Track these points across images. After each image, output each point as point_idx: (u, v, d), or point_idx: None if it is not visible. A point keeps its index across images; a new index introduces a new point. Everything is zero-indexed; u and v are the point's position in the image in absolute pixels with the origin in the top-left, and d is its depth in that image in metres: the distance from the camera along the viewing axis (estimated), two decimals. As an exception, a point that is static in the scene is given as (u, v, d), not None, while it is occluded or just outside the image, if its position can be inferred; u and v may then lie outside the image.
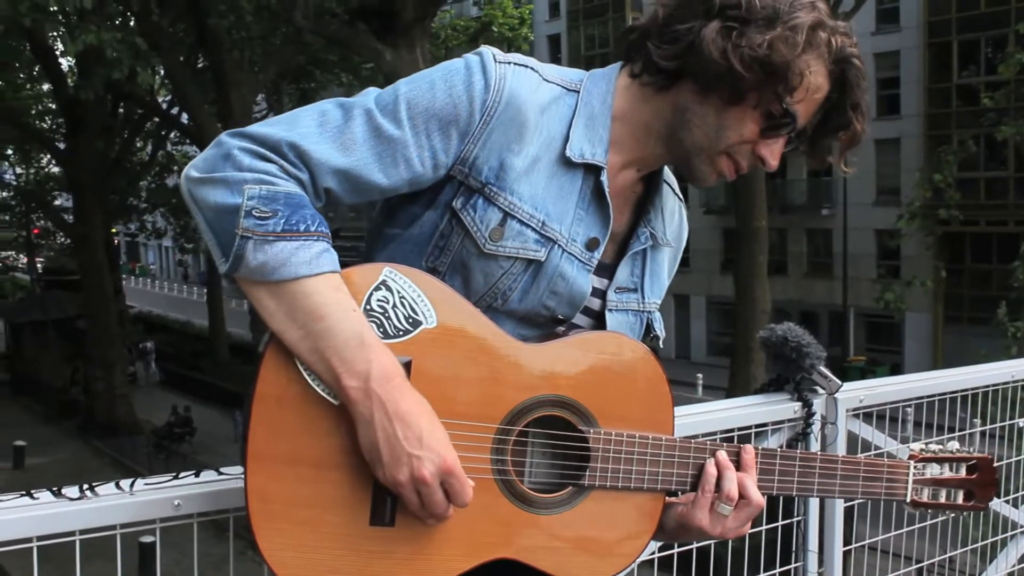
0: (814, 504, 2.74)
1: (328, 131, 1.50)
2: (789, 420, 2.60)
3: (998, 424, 3.24)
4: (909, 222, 17.63)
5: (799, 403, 2.60)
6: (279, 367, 1.46)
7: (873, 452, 2.82)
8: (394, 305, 1.49)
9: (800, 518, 2.74)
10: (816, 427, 2.62)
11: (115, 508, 1.60)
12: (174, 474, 1.69)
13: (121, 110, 29.73)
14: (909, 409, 3.03)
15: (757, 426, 2.54)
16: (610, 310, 1.71)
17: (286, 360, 1.46)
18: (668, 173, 1.81)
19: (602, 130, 1.63)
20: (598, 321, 1.71)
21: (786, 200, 35.40)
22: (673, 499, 1.72)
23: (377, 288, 1.49)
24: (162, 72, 20.97)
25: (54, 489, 1.59)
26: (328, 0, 15.71)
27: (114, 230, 39.54)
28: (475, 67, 1.57)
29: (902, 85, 33.11)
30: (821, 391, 2.64)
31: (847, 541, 2.88)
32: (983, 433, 3.33)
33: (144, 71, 15.29)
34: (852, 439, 2.75)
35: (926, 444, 1.91)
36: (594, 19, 41.87)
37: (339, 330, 1.43)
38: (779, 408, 2.58)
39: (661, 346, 1.81)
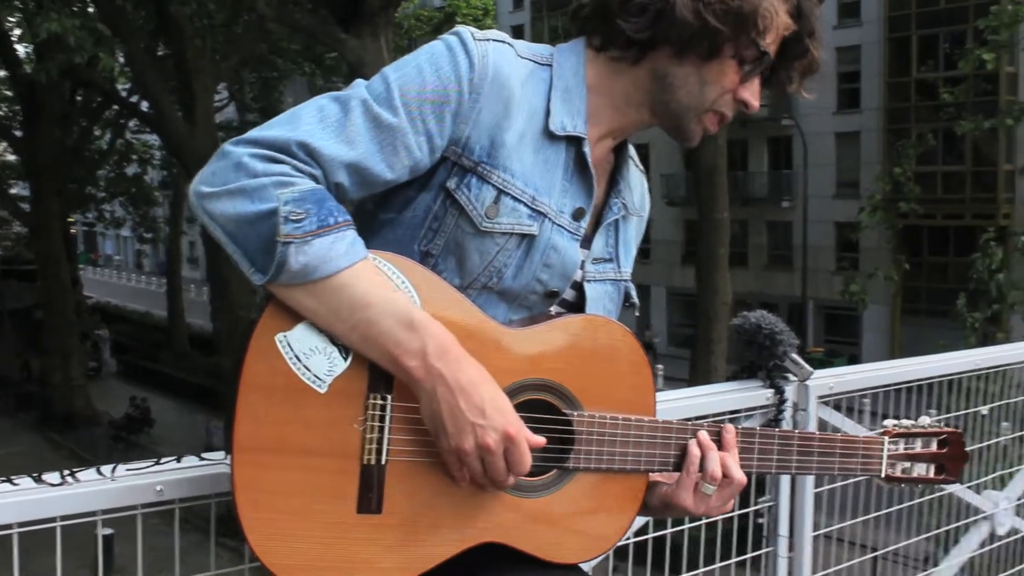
0: (785, 489, 2.77)
1: (330, 126, 1.50)
2: (762, 407, 2.63)
3: (961, 412, 3.29)
4: (871, 215, 17.81)
5: (771, 390, 2.63)
6: (265, 356, 1.45)
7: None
8: None
9: (771, 503, 2.77)
10: (788, 413, 2.65)
11: (96, 494, 1.59)
12: (155, 459, 1.68)
13: (79, 97, 29.36)
14: (866, 400, 3.07)
15: (730, 413, 2.56)
16: (588, 281, 1.73)
17: (272, 349, 1.45)
18: (630, 145, 1.83)
19: (579, 102, 1.65)
20: (579, 292, 1.73)
21: (747, 192, 35.65)
22: (657, 478, 1.74)
23: None
24: (123, 59, 20.75)
25: (34, 475, 1.57)
26: (292, -12, 15.64)
27: (71, 219, 39.03)
28: (456, 47, 1.57)
29: (862, 79, 33.42)
30: (793, 378, 2.67)
31: (816, 527, 2.91)
32: (945, 421, 3.38)
33: (106, 56, 15.12)
34: (822, 426, 2.78)
35: (898, 420, 1.94)
36: (558, 10, 41.79)
37: (388, 314, 1.44)
38: (752, 395, 2.60)
39: (637, 313, 1.84)
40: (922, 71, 31.41)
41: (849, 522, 2.96)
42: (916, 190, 20.11)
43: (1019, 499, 3.58)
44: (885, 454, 1.89)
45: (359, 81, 1.57)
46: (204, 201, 1.44)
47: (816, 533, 2.85)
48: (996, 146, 28.83)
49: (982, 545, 3.50)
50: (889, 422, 1.93)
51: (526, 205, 1.60)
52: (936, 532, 3.30)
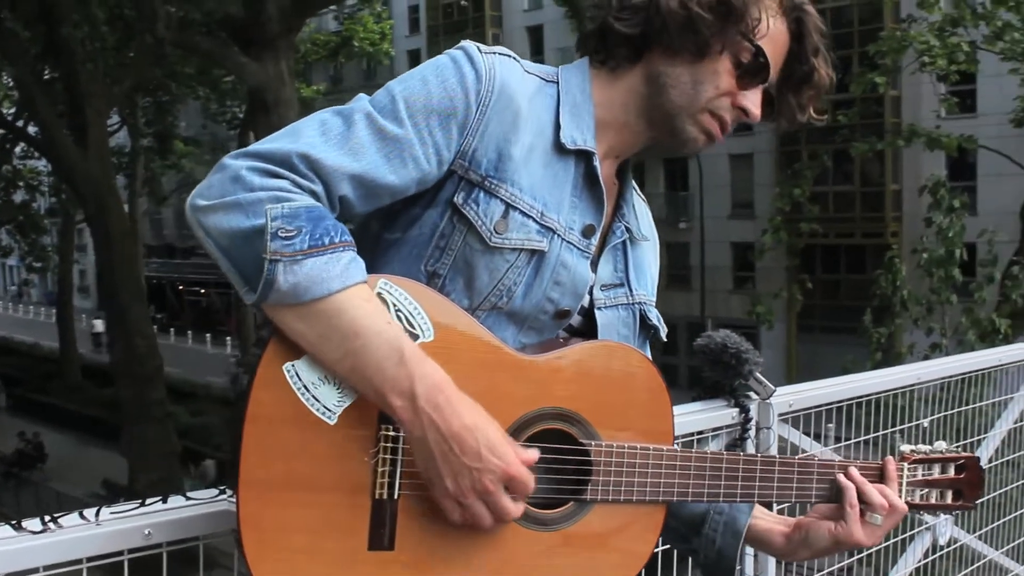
0: None
1: (333, 139, 1.44)
2: (727, 426, 2.62)
3: (905, 425, 3.34)
4: (774, 236, 18.24)
5: (736, 409, 2.62)
6: (271, 386, 1.38)
7: (801, 455, 2.86)
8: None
9: None
10: (752, 432, 2.65)
11: (82, 540, 1.48)
12: (140, 501, 1.58)
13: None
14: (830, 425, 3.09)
15: (697, 433, 2.54)
16: (599, 308, 1.69)
17: (279, 379, 1.38)
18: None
19: (588, 117, 1.64)
20: (587, 319, 1.69)
21: (645, 214, 36.12)
22: (809, 518, 1.79)
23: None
24: (9, 82, 20.09)
25: (13, 522, 1.46)
26: (191, 11, 15.31)
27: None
28: (462, 60, 1.54)
29: (754, 103, 34.17)
30: (755, 397, 2.67)
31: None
32: (887, 435, 3.43)
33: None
34: (782, 444, 2.79)
35: (916, 445, 1.93)
36: (454, 35, 41.99)
37: (377, 345, 1.37)
38: (718, 415, 2.59)
39: (664, 338, 1.82)
40: (811, 94, 32.23)
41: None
42: (815, 210, 20.65)
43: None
44: (905, 481, 1.87)
45: (361, 95, 1.53)
46: (199, 214, 1.38)
47: (780, 506, 2.83)
48: (883, 167, 29.81)
49: (925, 555, 3.56)
50: (906, 447, 1.91)
51: (535, 220, 1.56)
52: (885, 544, 3.33)
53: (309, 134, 1.44)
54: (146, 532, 1.53)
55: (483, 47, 1.57)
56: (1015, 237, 17.34)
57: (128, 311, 18.93)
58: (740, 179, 33.99)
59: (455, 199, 1.53)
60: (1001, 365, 3.84)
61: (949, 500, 1.91)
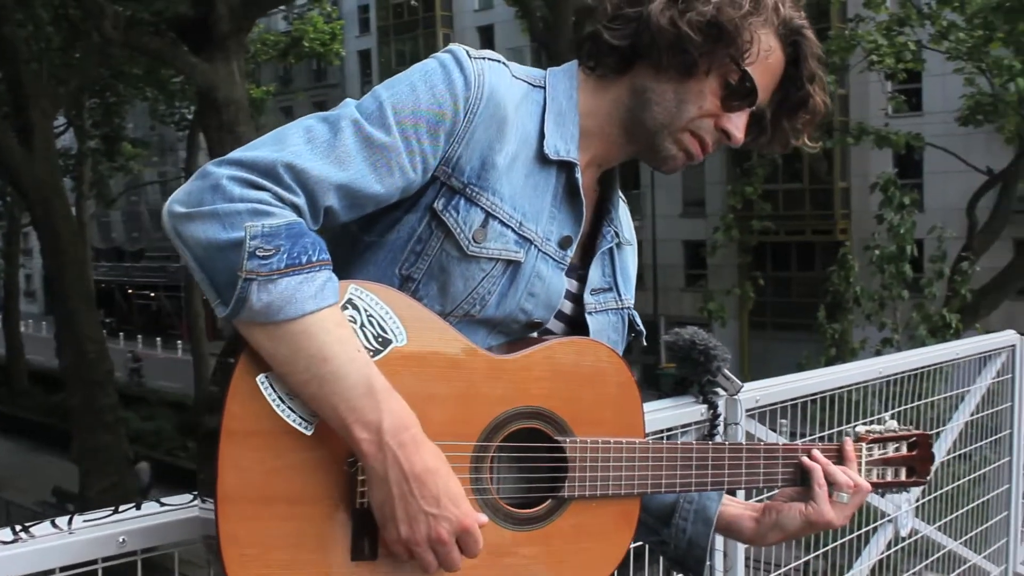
0: None
1: (319, 147, 1.41)
2: (696, 422, 2.63)
3: (866, 419, 3.37)
4: (726, 233, 18.39)
5: (705, 405, 2.63)
6: (245, 399, 1.35)
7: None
8: (362, 324, 1.41)
9: None
10: (720, 428, 2.66)
11: (55, 549, 1.45)
12: (112, 508, 1.55)
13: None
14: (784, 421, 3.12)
15: (667, 430, 2.55)
16: (590, 313, 1.69)
17: (254, 391, 1.35)
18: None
19: (572, 126, 1.62)
20: (572, 326, 1.68)
21: (597, 213, 36.23)
22: (777, 502, 1.81)
23: (344, 307, 1.40)
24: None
25: (-17, 532, 1.43)
26: (139, 11, 15.09)
27: None
28: (451, 65, 1.52)
29: (704, 101, 34.43)
30: (723, 393, 2.68)
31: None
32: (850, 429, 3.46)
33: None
34: (749, 439, 2.81)
35: (870, 425, 1.96)
36: (404, 35, 41.90)
37: (345, 374, 1.34)
38: (686, 411, 2.61)
39: (644, 342, 1.84)
40: (760, 93, 32.55)
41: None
42: (767, 207, 20.83)
43: (917, 501, 3.71)
44: (864, 460, 1.91)
45: (348, 100, 1.50)
46: (176, 221, 1.34)
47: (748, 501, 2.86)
48: (832, 164, 30.15)
49: (888, 547, 3.60)
50: (861, 428, 1.95)
51: (513, 230, 1.54)
52: (849, 536, 3.37)
53: (294, 142, 1.41)
54: (120, 540, 1.51)
55: (472, 51, 1.55)
56: (962, 233, 17.63)
57: (77, 316, 18.62)
58: (691, 177, 34.19)
59: (435, 204, 1.51)
60: (958, 359, 3.90)
61: (904, 477, 1.96)
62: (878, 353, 12.16)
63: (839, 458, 1.83)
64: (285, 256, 1.32)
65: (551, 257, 1.60)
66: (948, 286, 13.88)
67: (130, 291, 54.06)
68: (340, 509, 1.39)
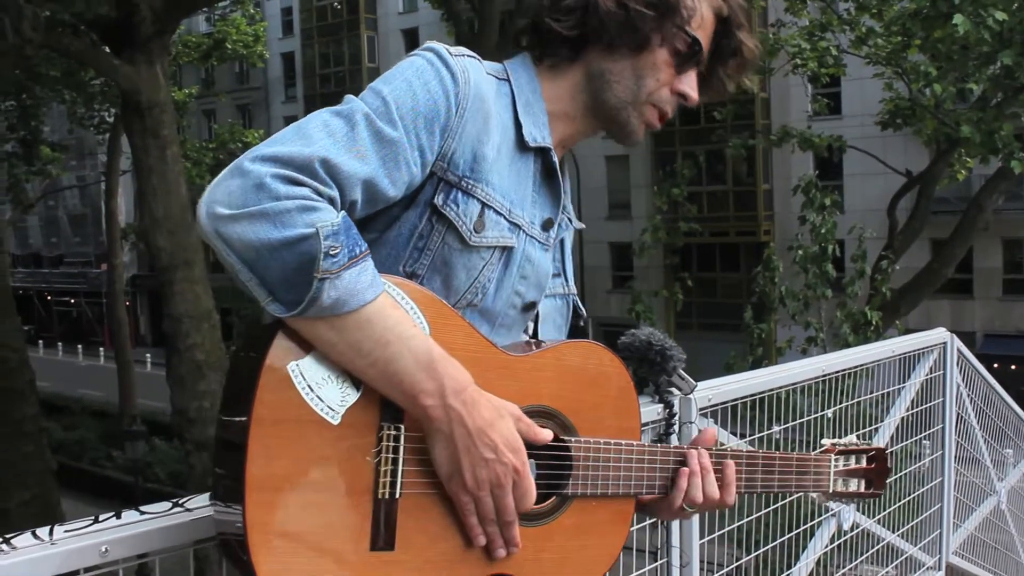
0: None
1: (340, 142, 1.43)
2: (653, 422, 2.66)
3: (807, 418, 3.46)
4: (653, 235, 18.63)
5: (660, 405, 2.67)
6: (276, 388, 1.36)
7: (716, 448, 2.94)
8: None
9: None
10: (676, 427, 2.70)
11: (39, 560, 1.43)
12: (93, 517, 1.54)
13: None
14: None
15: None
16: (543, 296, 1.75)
17: (285, 380, 1.37)
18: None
19: (541, 113, 1.68)
20: (523, 311, 1.73)
21: (524, 216, 36.33)
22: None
23: None
24: None
25: (-36, 545, 1.41)
26: (59, 12, 14.75)
27: None
28: (437, 62, 1.56)
29: (629, 104, 34.75)
30: (677, 392, 2.72)
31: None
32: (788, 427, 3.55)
33: None
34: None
35: (837, 439, 2.03)
36: (328, 37, 41.61)
37: (407, 351, 1.40)
38: (644, 411, 2.64)
39: (591, 331, 1.90)
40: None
41: (728, 528, 3.05)
42: (693, 209, 21.14)
43: (858, 496, 3.80)
44: (832, 470, 1.98)
45: (349, 96, 1.52)
46: (219, 223, 1.33)
47: (702, 540, 2.92)
48: (754, 167, 30.66)
49: (831, 541, 3.69)
50: (826, 441, 2.02)
51: (505, 218, 1.60)
52: (796, 532, 3.44)
53: (319, 137, 1.42)
54: (103, 549, 1.50)
55: (452, 48, 1.59)
56: (882, 233, 18.06)
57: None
58: (616, 180, 34.53)
59: (435, 200, 1.55)
60: (894, 356, 4.02)
61: (863, 489, 2.05)
62: (804, 352, 12.43)
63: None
64: (346, 251, 1.35)
65: (537, 240, 1.68)
66: (869, 285, 14.21)
67: (49, 297, 52.89)
68: (363, 499, 1.41)
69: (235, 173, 1.36)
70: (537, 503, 1.57)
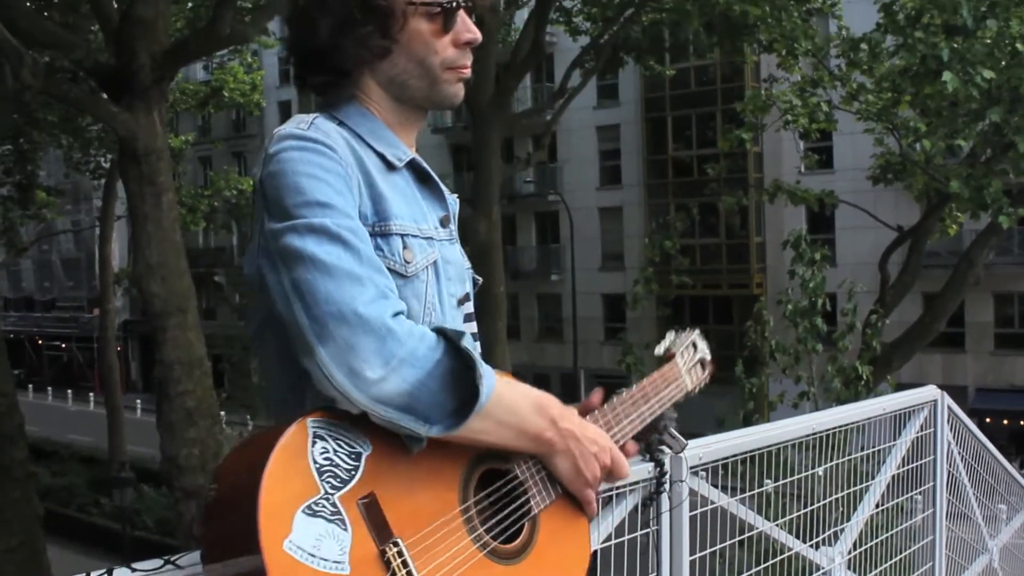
0: (665, 516, 2.81)
1: (357, 266, 1.51)
2: (643, 480, 2.67)
3: (800, 475, 3.46)
4: (646, 287, 18.67)
5: (651, 463, 2.67)
6: (285, 571, 1.36)
7: (710, 507, 2.94)
8: (335, 451, 1.46)
9: (655, 528, 2.80)
10: (667, 486, 2.70)
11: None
12: (84, 574, 1.54)
13: None
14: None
15: (616, 489, 2.60)
16: None
17: (287, 562, 1.36)
18: None
19: (388, 134, 1.74)
20: None
21: (517, 266, 36.47)
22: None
23: (313, 443, 1.44)
24: None
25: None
26: (58, 58, 14.85)
27: None
28: (308, 144, 1.59)
29: (623, 157, 35.06)
30: (668, 451, 2.73)
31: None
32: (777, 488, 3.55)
33: None
34: (692, 496, 2.86)
35: (668, 341, 2.23)
36: (325, 86, 41.80)
37: (526, 407, 1.61)
38: (633, 470, 2.64)
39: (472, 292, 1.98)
40: (676, 149, 33.32)
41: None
42: (685, 262, 21.22)
43: (850, 552, 3.80)
44: (684, 370, 2.19)
45: (295, 223, 1.53)
46: (372, 387, 1.44)
47: (693, 557, 2.90)
48: (747, 220, 30.84)
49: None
50: (659, 348, 2.23)
51: (419, 237, 1.69)
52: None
53: (354, 267, 1.50)
54: (98, 609, 1.50)
55: (300, 124, 1.63)
56: (873, 287, 18.14)
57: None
58: (610, 231, 34.69)
59: None
60: (884, 413, 4.02)
61: (705, 373, 2.29)
62: (795, 407, 12.40)
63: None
64: (476, 358, 1.51)
65: (444, 239, 1.77)
66: (861, 339, 14.22)
67: (40, 342, 52.71)
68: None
69: (356, 325, 1.45)
70: (516, 535, 1.64)
